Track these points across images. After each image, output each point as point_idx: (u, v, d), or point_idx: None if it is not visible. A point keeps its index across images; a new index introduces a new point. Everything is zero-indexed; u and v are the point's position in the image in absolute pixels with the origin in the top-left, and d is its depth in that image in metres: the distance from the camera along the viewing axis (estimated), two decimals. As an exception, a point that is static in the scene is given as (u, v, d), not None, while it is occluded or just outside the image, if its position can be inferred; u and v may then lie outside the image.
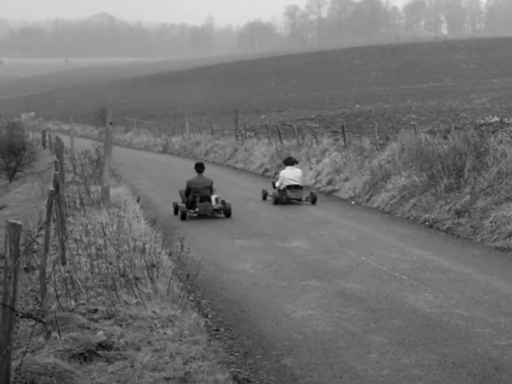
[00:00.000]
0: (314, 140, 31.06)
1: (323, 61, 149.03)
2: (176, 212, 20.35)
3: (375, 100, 76.10)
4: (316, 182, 26.22)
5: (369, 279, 12.00)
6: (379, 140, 27.15)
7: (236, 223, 18.36)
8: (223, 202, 20.11)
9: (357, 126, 42.35)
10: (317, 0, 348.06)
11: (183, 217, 19.68)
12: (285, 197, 22.35)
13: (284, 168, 23.50)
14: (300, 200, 22.50)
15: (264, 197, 23.39)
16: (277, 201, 22.31)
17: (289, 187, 22.48)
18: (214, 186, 20.69)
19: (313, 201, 22.32)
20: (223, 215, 19.92)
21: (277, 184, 23.06)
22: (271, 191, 23.08)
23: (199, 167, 20.94)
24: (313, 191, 23.45)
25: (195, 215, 19.88)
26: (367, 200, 21.53)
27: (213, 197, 20.23)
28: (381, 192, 20.98)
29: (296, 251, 14.53)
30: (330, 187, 24.86)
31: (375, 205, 20.76)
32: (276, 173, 26.55)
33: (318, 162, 27.82)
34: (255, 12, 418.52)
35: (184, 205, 20.09)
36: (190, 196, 20.13)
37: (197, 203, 19.95)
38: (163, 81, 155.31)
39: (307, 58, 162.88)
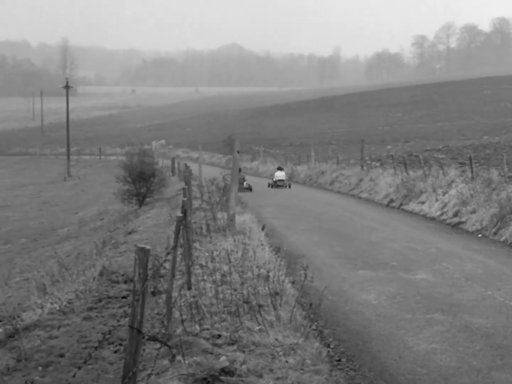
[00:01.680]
0: (441, 171, 30.62)
1: (451, 91, 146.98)
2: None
3: (504, 131, 74.31)
4: (441, 214, 25.79)
5: (496, 314, 11.72)
6: (508, 172, 26.54)
7: (359, 253, 18.25)
8: (249, 184, 42.11)
9: (485, 157, 41.52)
10: (446, 30, 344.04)
11: None
12: (276, 185, 44.99)
13: (276, 171, 46.94)
14: (283, 186, 44.80)
15: (268, 185, 45.73)
16: (272, 187, 45.23)
17: (278, 180, 45.30)
18: (246, 178, 43.14)
19: (289, 186, 45.15)
20: (249, 191, 40.38)
21: (273, 179, 45.76)
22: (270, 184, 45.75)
23: (240, 170, 34.85)
24: (289, 182, 46.57)
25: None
26: (495, 234, 21.00)
27: (245, 183, 40.61)
28: (509, 226, 20.42)
29: (420, 283, 14.32)
30: (456, 219, 24.39)
31: (502, 238, 20.23)
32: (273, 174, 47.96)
33: (444, 193, 27.38)
34: (383, 42, 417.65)
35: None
36: None
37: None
38: (290, 111, 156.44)
39: (435, 88, 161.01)
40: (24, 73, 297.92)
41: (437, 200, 27.36)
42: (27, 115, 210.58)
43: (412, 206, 29.11)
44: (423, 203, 28.50)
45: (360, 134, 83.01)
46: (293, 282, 13.63)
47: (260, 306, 10.69)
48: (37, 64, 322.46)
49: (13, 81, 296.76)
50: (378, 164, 44.34)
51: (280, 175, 45.56)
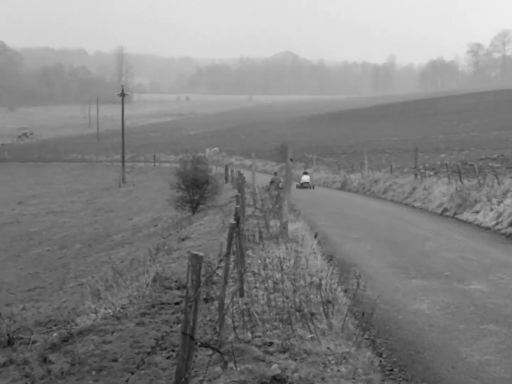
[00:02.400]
0: (496, 181, 30.27)
1: (507, 100, 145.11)
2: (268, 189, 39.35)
3: (562, 140, 73.23)
4: (496, 224, 25.47)
5: (552, 326, 11.54)
6: None
7: (413, 263, 18.11)
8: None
9: (542, 166, 40.91)
10: (501, 38, 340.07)
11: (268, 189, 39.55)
12: (302, 186, 53.80)
13: (303, 175, 56.64)
14: (308, 187, 54.01)
15: (296, 187, 51.28)
16: (299, 188, 52.47)
17: (304, 182, 54.99)
18: (282, 180, 39.85)
19: (313, 187, 54.56)
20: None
21: (300, 182, 55.02)
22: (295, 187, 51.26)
23: (276, 174, 44.16)
24: (313, 184, 56.15)
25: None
26: (552, 244, 20.69)
27: (280, 184, 38.85)
28: None
29: (474, 293, 14.16)
30: (511, 229, 24.07)
31: (560, 249, 19.92)
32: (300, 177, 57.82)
33: (499, 203, 27.04)
34: (437, 50, 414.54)
35: (270, 185, 40.62)
36: (272, 183, 42.12)
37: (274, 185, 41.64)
38: (343, 119, 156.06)
39: (490, 97, 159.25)
40: (80, 80, 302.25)
41: (491, 209, 27.03)
42: (83, 122, 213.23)
43: (466, 215, 28.80)
44: (477, 212, 28.19)
45: (414, 142, 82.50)
46: (345, 291, 13.58)
47: (312, 314, 10.67)
48: (93, 72, 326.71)
49: (70, 89, 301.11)
50: (432, 173, 43.98)
51: (305, 178, 56.76)
